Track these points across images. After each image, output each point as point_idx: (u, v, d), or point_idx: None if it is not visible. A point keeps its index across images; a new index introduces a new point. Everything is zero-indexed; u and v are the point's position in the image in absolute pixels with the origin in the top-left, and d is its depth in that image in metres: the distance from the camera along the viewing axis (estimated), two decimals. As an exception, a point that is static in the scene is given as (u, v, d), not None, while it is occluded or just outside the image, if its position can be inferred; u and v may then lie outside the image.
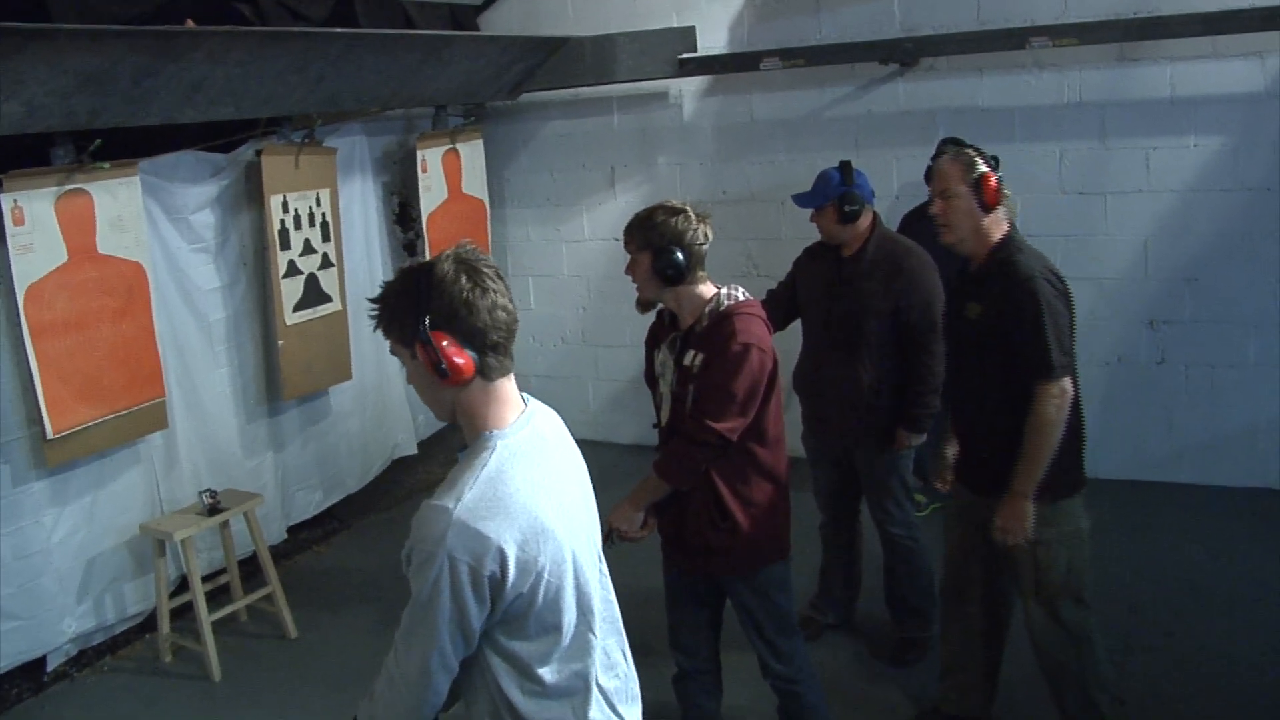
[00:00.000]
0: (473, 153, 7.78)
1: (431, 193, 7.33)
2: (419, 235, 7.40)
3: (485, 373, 2.26)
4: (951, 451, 4.28)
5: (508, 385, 2.32)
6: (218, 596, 5.70)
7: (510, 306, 2.26)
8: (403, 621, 2.24)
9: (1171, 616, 5.24)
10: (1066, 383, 3.70)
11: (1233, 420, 6.56)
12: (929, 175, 4.65)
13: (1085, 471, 3.94)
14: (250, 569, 5.94)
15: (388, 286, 2.30)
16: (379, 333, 2.30)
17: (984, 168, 3.77)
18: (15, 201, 4.82)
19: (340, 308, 6.68)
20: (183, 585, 5.66)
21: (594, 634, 2.36)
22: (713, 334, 3.62)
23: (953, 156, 3.86)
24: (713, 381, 3.60)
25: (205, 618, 5.36)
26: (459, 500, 2.14)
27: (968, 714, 4.35)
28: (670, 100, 7.75)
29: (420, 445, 7.74)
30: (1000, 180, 3.79)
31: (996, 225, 3.82)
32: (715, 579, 3.91)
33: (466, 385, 2.25)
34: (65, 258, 5.06)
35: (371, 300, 2.32)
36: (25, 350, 4.93)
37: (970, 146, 5.37)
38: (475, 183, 7.79)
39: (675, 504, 3.80)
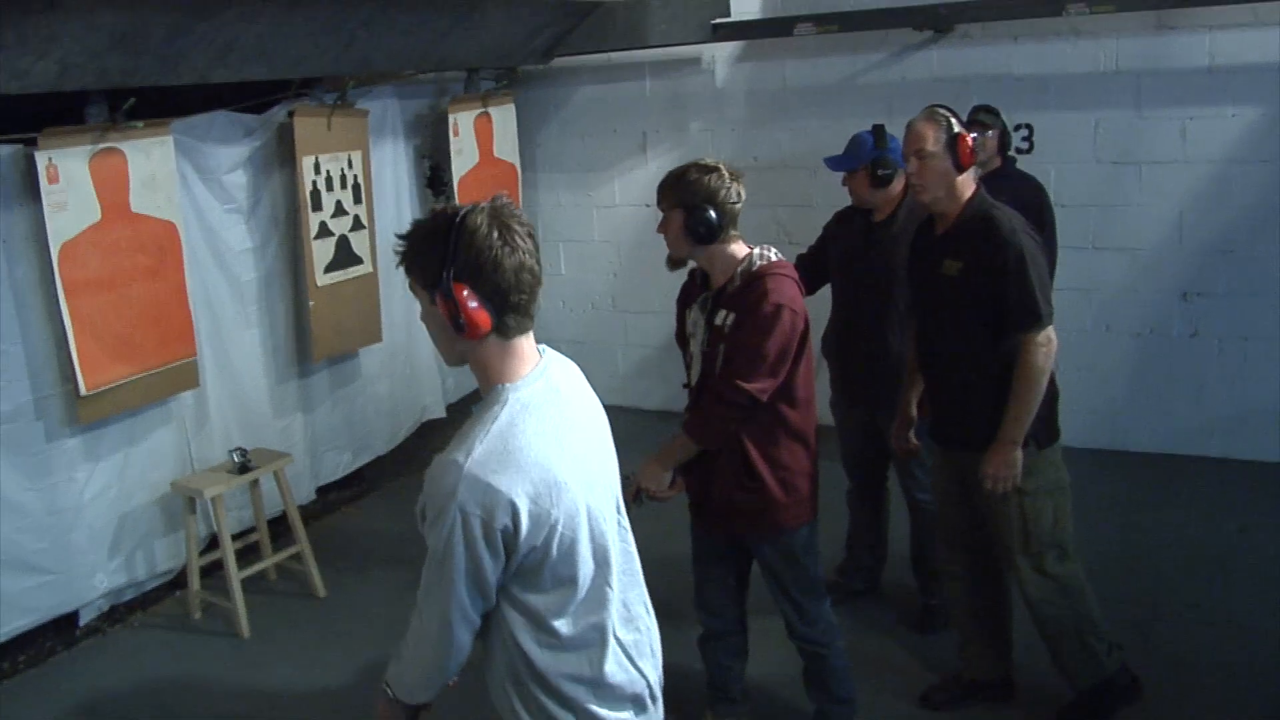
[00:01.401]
0: (504, 117, 7.78)
1: (463, 156, 7.33)
2: (450, 199, 7.40)
3: (502, 331, 2.24)
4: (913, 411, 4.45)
5: (524, 342, 2.30)
6: (247, 555, 5.74)
7: (536, 268, 2.24)
8: (422, 578, 2.27)
9: (1199, 588, 5.22)
10: (1052, 331, 3.79)
11: (1265, 394, 6.51)
12: None
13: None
14: (279, 529, 5.99)
15: (417, 226, 2.29)
16: (401, 269, 2.29)
17: (958, 128, 3.84)
18: (50, 159, 4.85)
19: (371, 270, 6.70)
20: (213, 543, 5.71)
21: (611, 586, 2.36)
22: (745, 294, 3.61)
23: (927, 116, 3.91)
24: (744, 341, 3.60)
25: (235, 575, 5.41)
26: (469, 454, 2.14)
27: (990, 678, 4.37)
28: (703, 66, 7.72)
29: (449, 409, 7.76)
30: (974, 140, 3.86)
31: (967, 184, 3.90)
32: (742, 540, 3.92)
33: (482, 340, 2.24)
34: (99, 216, 5.09)
35: (399, 235, 2.30)
36: (59, 308, 4.97)
37: (991, 110, 5.40)
38: (507, 147, 7.79)
39: (703, 464, 3.80)
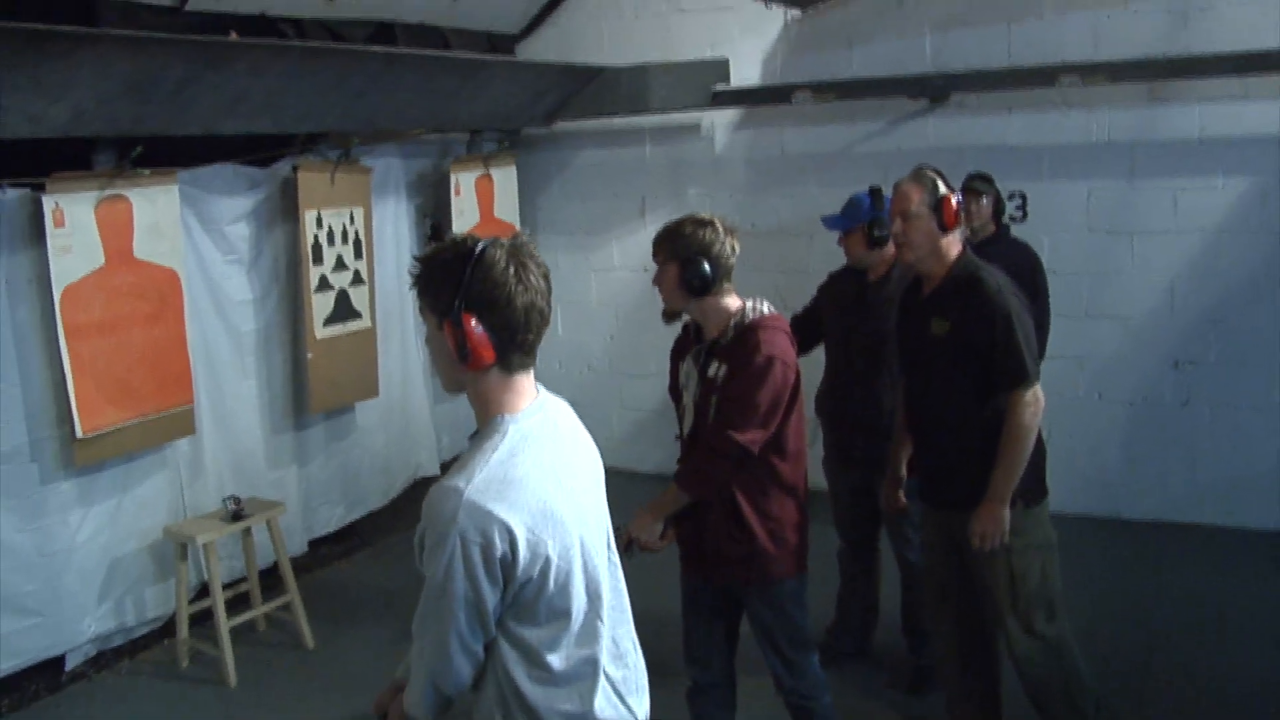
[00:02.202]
0: (505, 178, 7.86)
1: (464, 216, 7.41)
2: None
3: (505, 365, 2.27)
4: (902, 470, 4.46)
5: (525, 379, 2.33)
6: (237, 604, 5.73)
7: (546, 309, 2.27)
8: (419, 608, 2.24)
9: (1190, 650, 5.22)
10: (1039, 390, 3.81)
11: (1257, 462, 6.53)
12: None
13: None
14: (270, 580, 5.98)
15: (436, 251, 2.30)
16: (413, 292, 2.30)
17: (944, 190, 3.89)
18: (57, 203, 4.92)
19: (370, 325, 6.75)
20: (203, 592, 5.70)
21: (602, 621, 2.37)
22: (737, 346, 3.65)
23: (913, 177, 3.96)
24: (735, 393, 3.63)
25: (224, 624, 5.39)
26: (469, 481, 2.15)
27: None
28: (702, 132, 7.83)
29: (443, 466, 7.76)
30: (959, 203, 3.91)
31: (953, 245, 3.94)
32: (731, 591, 3.92)
33: (484, 371, 2.26)
34: (102, 261, 5.15)
35: (417, 258, 2.31)
36: (59, 350, 5.01)
37: (985, 178, 5.47)
38: (507, 208, 7.86)
39: (694, 514, 3.82)
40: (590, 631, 2.34)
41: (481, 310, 2.19)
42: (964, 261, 3.94)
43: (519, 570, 2.17)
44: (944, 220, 3.86)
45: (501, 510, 2.14)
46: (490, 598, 2.19)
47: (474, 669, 2.29)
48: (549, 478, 2.25)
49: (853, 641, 5.29)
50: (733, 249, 3.67)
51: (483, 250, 2.20)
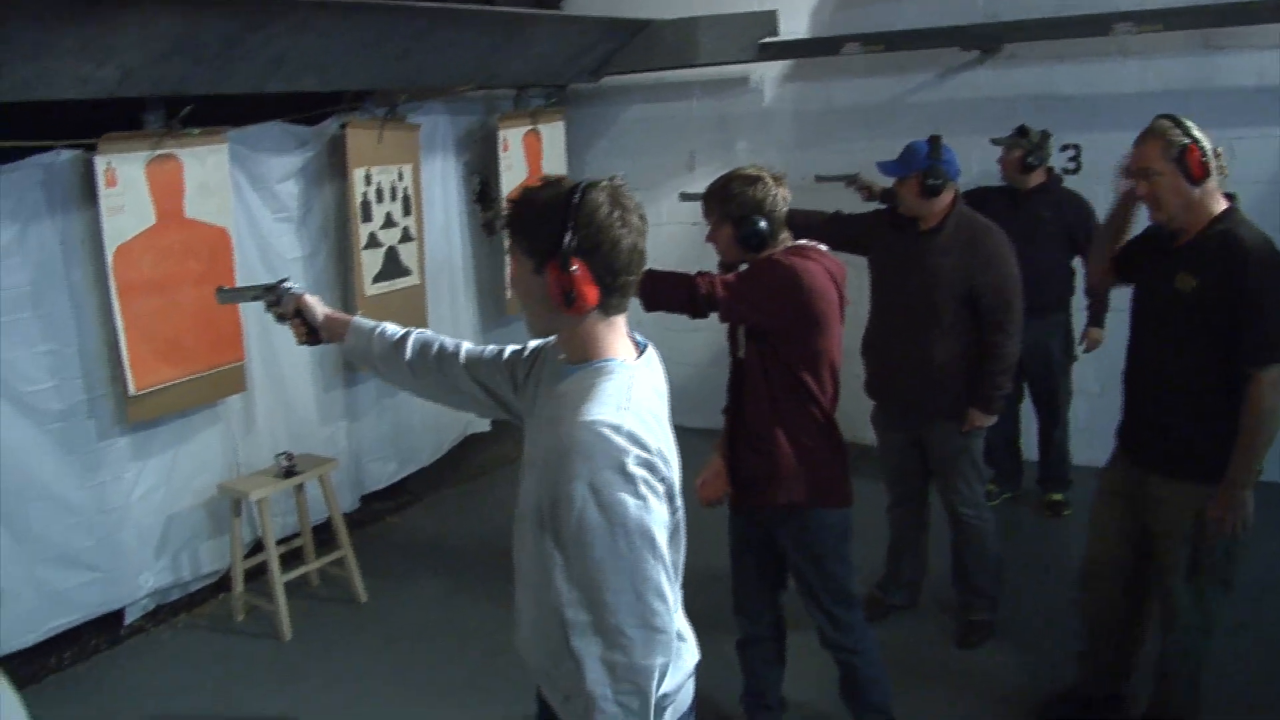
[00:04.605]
0: (553, 134, 7.85)
1: (512, 172, 7.40)
2: (498, 215, 7.46)
3: (605, 308, 2.24)
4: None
5: (622, 321, 2.31)
6: (290, 559, 5.81)
7: (644, 250, 2.25)
8: (588, 575, 2.09)
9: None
10: None
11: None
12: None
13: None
14: (323, 535, 6.04)
15: (533, 193, 2.26)
16: (504, 231, 2.27)
17: (1185, 140, 3.58)
18: (109, 164, 4.96)
19: (419, 282, 6.77)
20: (256, 547, 5.79)
21: (677, 576, 2.32)
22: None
23: (1149, 132, 3.68)
24: (741, 274, 3.71)
25: (278, 578, 5.47)
26: (616, 410, 2.11)
27: (1104, 694, 4.30)
28: (751, 85, 7.77)
29: (494, 423, 7.80)
30: (1207, 150, 3.58)
31: (1211, 197, 3.63)
32: (770, 529, 3.93)
33: (584, 315, 2.23)
34: (153, 220, 5.19)
35: (512, 200, 2.28)
36: (112, 309, 5.07)
37: (1021, 131, 5.39)
38: (555, 164, 7.85)
39: (735, 446, 3.88)
40: (675, 563, 2.29)
41: (587, 253, 2.16)
42: (1227, 214, 3.64)
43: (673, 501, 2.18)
44: (1190, 172, 3.56)
45: (653, 443, 2.12)
46: (668, 525, 2.17)
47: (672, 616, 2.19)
48: (656, 424, 2.22)
49: (903, 596, 5.29)
50: (784, 199, 3.68)
51: (584, 192, 2.18)
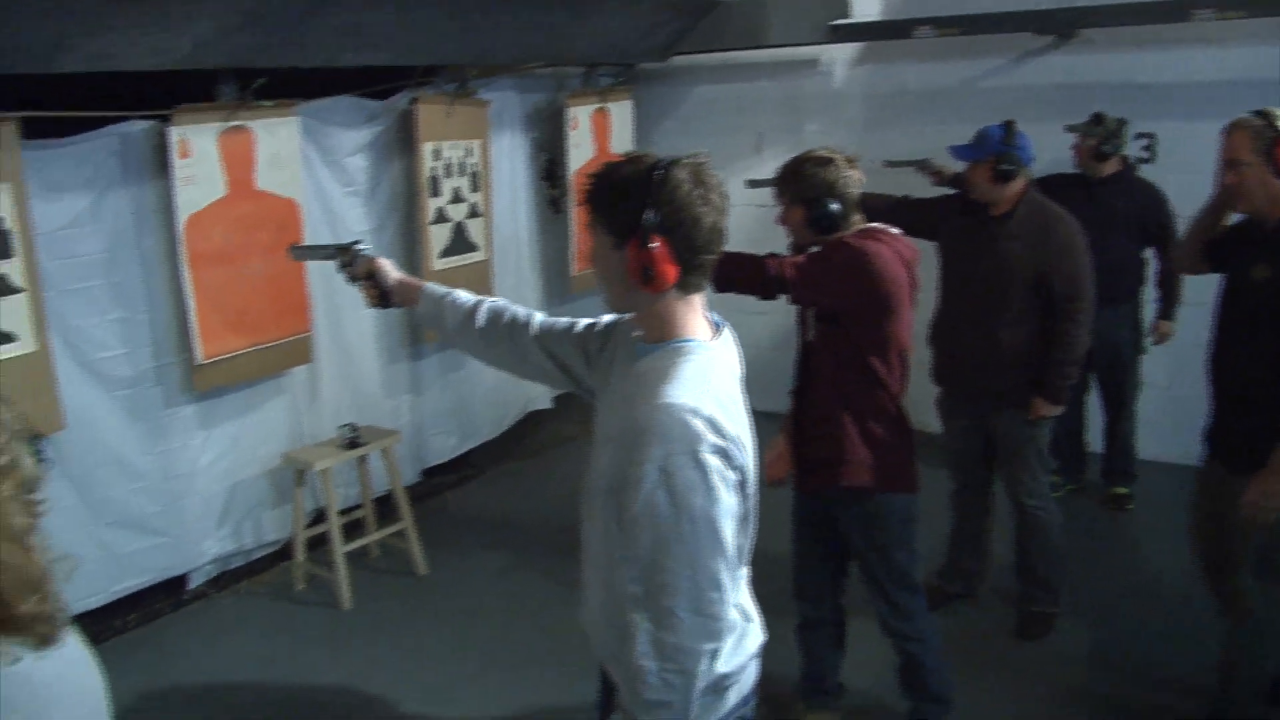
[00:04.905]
0: (622, 113, 7.85)
1: (580, 150, 7.41)
2: (564, 193, 7.49)
3: (684, 286, 2.22)
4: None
5: (699, 300, 2.29)
6: (352, 530, 5.86)
7: (724, 229, 2.22)
8: (648, 554, 2.10)
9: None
10: None
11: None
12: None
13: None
14: (384, 507, 6.10)
15: (614, 168, 2.24)
16: (582, 206, 2.26)
17: (1273, 132, 3.52)
18: (182, 135, 5.01)
19: (485, 257, 6.80)
20: (319, 517, 5.84)
21: (745, 564, 2.34)
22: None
23: (1239, 123, 3.62)
24: (810, 255, 3.69)
25: (339, 549, 5.52)
26: (695, 394, 2.11)
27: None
28: (820, 67, 7.71)
29: (556, 400, 7.83)
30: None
31: None
32: (832, 512, 3.92)
33: (662, 292, 2.21)
34: (224, 191, 5.25)
35: (593, 174, 2.26)
36: (183, 278, 5.14)
37: (1096, 119, 5.30)
38: (623, 143, 7.84)
39: (799, 426, 3.87)
40: (743, 545, 2.29)
41: (668, 231, 2.14)
42: None
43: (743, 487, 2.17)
44: (1277, 164, 3.51)
45: (728, 427, 2.12)
46: (736, 512, 2.16)
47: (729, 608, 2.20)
48: (733, 406, 2.21)
49: (963, 585, 5.25)
50: (857, 182, 3.66)
51: (668, 169, 2.15)
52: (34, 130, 4.56)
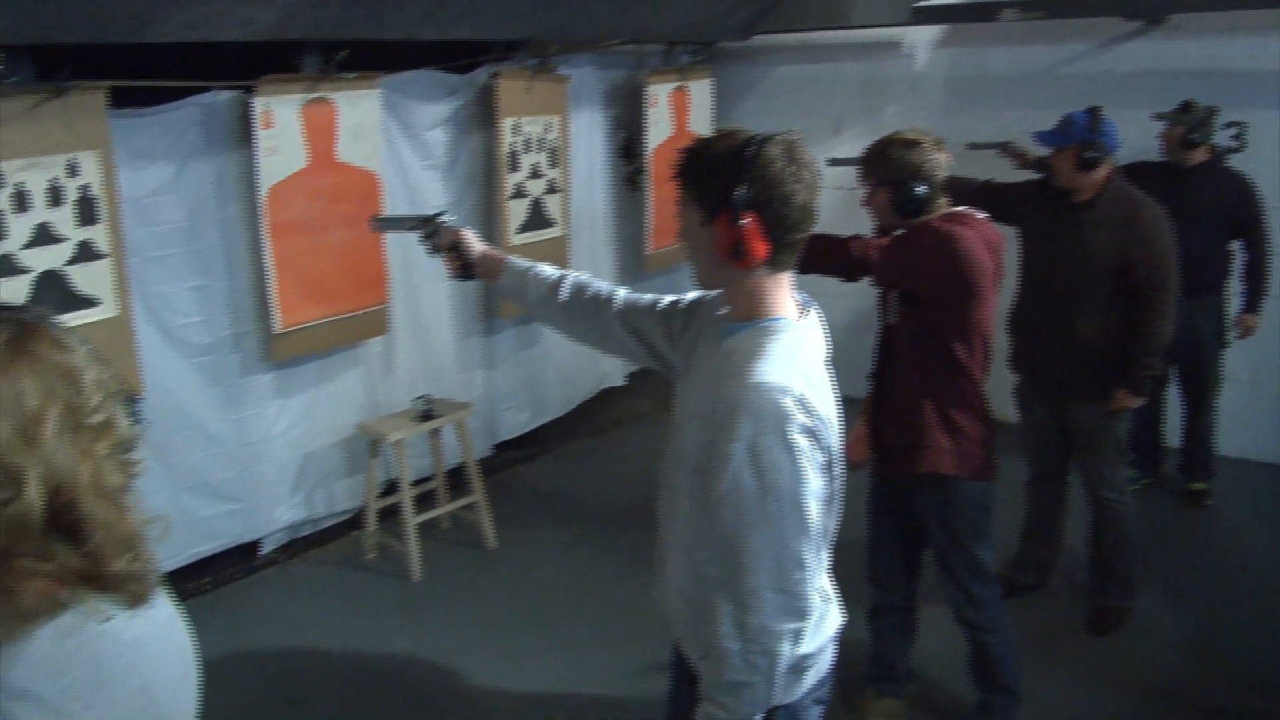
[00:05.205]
0: (701, 92, 7.81)
1: (658, 128, 7.39)
2: (641, 170, 7.47)
3: (774, 264, 2.20)
4: None
5: (788, 279, 2.27)
6: (423, 502, 5.89)
7: (816, 208, 2.20)
8: (733, 534, 2.11)
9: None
10: None
11: None
12: None
13: None
14: (455, 480, 6.14)
15: (706, 143, 2.23)
16: (674, 182, 2.24)
17: None
18: (266, 105, 5.05)
19: (562, 233, 6.80)
20: (390, 489, 5.89)
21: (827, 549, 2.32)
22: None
23: None
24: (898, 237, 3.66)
25: (411, 520, 5.57)
26: (785, 373, 2.10)
27: None
28: (902, 50, 7.63)
29: (629, 376, 7.83)
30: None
31: None
32: (911, 501, 3.89)
33: (751, 269, 2.20)
34: (306, 162, 5.29)
35: (684, 150, 2.25)
36: (263, 248, 5.19)
37: (1183, 107, 5.19)
38: (701, 122, 7.80)
39: (878, 410, 3.85)
40: (822, 556, 2.28)
41: (759, 207, 2.13)
42: None
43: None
44: None
45: (817, 406, 2.11)
46: (822, 495, 2.15)
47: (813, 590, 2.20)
48: (821, 386, 2.20)
49: (1034, 575, 5.19)
50: (944, 164, 3.63)
51: (760, 145, 2.13)
52: (122, 99, 4.62)
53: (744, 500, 2.07)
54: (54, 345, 1.39)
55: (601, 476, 6.90)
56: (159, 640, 1.50)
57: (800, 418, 2.06)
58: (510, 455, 7.09)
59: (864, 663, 4.23)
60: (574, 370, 7.39)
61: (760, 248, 2.14)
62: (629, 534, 5.78)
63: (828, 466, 2.17)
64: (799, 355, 2.18)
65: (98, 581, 1.39)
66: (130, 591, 1.42)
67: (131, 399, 1.50)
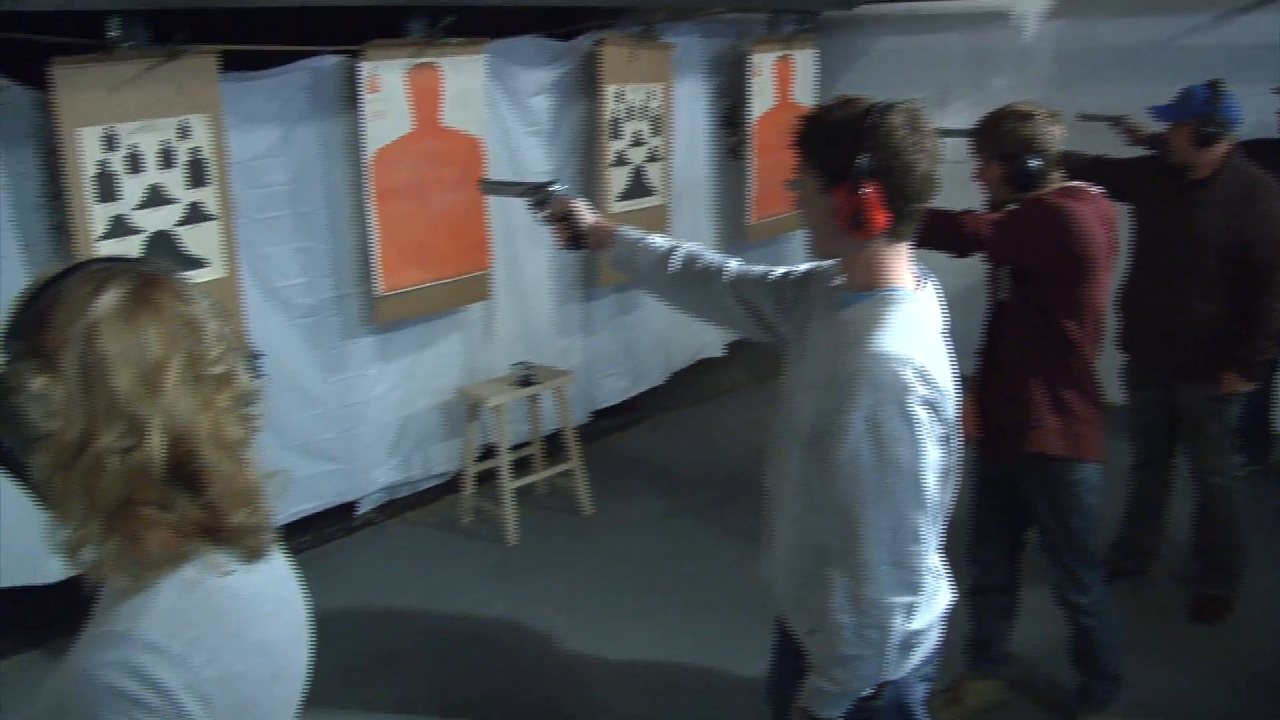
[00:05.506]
0: (805, 62, 7.73)
1: (762, 98, 7.32)
2: (744, 140, 7.42)
3: (893, 234, 2.17)
4: None
5: (906, 249, 2.24)
6: (520, 467, 5.93)
7: (937, 178, 2.16)
8: (849, 506, 2.09)
9: None
10: None
11: None
12: None
13: None
14: (551, 446, 6.17)
15: (827, 110, 2.19)
16: (794, 149, 2.21)
17: None
18: (372, 70, 5.09)
19: (663, 202, 6.77)
20: (487, 453, 5.93)
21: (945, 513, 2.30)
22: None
23: None
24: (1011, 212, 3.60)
25: (508, 484, 5.61)
26: (905, 344, 2.08)
27: None
28: (1011, 20, 7.48)
29: (728, 348, 7.78)
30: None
31: None
32: (1017, 480, 3.82)
33: (870, 239, 2.17)
34: (411, 127, 5.32)
35: (805, 117, 2.22)
36: (367, 211, 5.23)
37: None
38: (805, 92, 7.72)
39: (986, 388, 3.78)
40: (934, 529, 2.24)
41: (880, 176, 2.09)
42: None
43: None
44: None
45: (937, 377, 2.09)
46: (940, 469, 2.13)
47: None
48: (940, 359, 2.18)
49: (1136, 561, 5.09)
50: (1059, 138, 3.56)
51: (883, 113, 2.10)
52: (232, 63, 4.67)
53: (862, 472, 2.06)
54: (176, 296, 1.41)
55: (698, 447, 6.90)
56: (276, 597, 1.52)
57: (920, 389, 2.04)
58: (606, 423, 7.10)
59: (962, 642, 4.18)
60: (671, 338, 7.37)
61: (881, 217, 2.11)
62: (725, 505, 5.78)
63: (945, 439, 2.14)
64: (919, 326, 2.15)
65: (217, 534, 1.41)
66: (248, 546, 1.44)
67: (253, 354, 1.51)
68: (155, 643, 1.32)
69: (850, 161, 2.09)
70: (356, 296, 5.46)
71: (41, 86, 4.18)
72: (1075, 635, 3.97)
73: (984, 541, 4.01)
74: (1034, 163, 3.49)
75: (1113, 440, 4.02)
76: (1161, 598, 4.95)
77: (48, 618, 4.69)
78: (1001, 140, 3.53)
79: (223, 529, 1.41)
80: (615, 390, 7.07)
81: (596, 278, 6.53)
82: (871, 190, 2.08)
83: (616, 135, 6.35)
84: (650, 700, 4.37)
